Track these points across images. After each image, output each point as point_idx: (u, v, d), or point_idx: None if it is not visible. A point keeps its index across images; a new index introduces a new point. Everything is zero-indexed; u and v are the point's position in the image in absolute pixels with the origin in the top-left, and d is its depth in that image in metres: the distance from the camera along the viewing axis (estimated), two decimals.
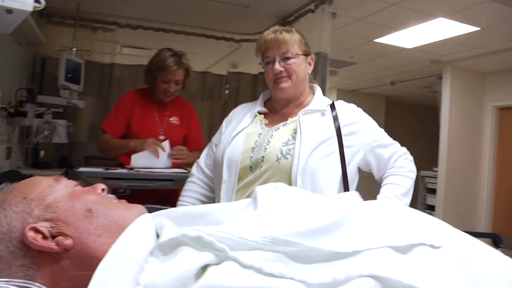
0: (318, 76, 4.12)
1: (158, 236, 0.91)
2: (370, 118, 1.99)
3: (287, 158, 1.75)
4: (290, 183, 1.71)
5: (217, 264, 0.76)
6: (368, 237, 0.86)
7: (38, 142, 4.29)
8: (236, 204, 1.07)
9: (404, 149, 1.98)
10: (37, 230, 0.85)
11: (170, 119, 3.16)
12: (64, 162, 4.59)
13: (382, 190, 1.86)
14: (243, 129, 1.89)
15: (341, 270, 0.77)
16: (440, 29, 5.25)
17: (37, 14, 4.74)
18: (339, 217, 0.91)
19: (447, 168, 6.92)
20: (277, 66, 1.83)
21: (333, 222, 0.89)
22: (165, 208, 1.10)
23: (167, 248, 0.81)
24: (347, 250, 0.83)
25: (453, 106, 6.92)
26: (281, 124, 1.89)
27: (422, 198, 7.79)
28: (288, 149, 1.77)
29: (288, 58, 1.83)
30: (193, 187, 2.09)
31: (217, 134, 2.09)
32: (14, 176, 3.14)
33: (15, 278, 0.82)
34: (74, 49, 4.65)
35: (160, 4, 4.83)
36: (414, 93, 9.31)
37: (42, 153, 4.51)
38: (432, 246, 0.85)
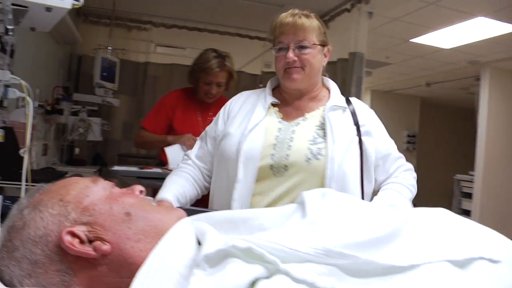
0: (354, 76, 4.06)
1: (199, 242, 0.86)
2: (378, 119, 1.85)
3: (318, 159, 1.58)
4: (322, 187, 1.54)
5: (268, 277, 0.72)
6: (425, 250, 0.81)
7: (73, 140, 4.35)
8: (281, 210, 1.00)
9: (410, 164, 1.84)
10: (74, 234, 0.81)
11: (213, 119, 3.15)
12: (98, 160, 4.65)
13: (379, 194, 1.70)
14: (259, 122, 1.67)
15: (398, 286, 0.73)
16: (479, 29, 5.10)
17: (74, 14, 4.80)
18: (394, 228, 0.85)
19: (484, 172, 6.73)
20: (291, 54, 1.63)
21: (388, 233, 0.84)
22: (203, 210, 1.06)
23: (215, 260, 0.75)
24: (404, 264, 0.77)
25: (491, 109, 6.73)
26: (300, 119, 1.70)
27: (457, 203, 7.61)
28: (318, 148, 1.60)
29: (304, 47, 1.64)
30: (187, 169, 1.80)
31: (212, 125, 1.86)
32: (50, 173, 3.18)
33: (51, 283, 0.79)
34: (110, 48, 4.69)
35: (194, 3, 4.83)
36: (450, 94, 9.11)
37: (77, 150, 4.57)
38: (491, 260, 0.79)
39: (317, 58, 1.70)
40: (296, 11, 1.71)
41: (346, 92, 4.12)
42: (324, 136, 1.63)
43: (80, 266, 0.81)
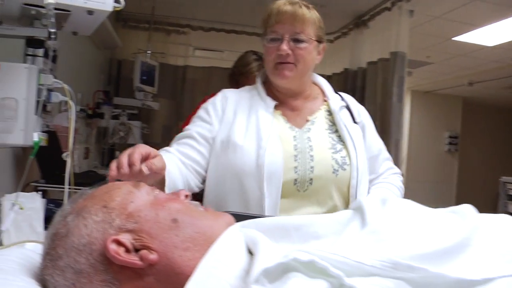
0: (396, 76, 3.97)
1: (249, 251, 0.82)
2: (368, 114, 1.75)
3: (345, 169, 1.49)
4: (347, 199, 1.50)
5: None
6: (498, 262, 0.74)
7: (114, 143, 4.41)
8: (336, 216, 0.95)
9: (398, 168, 1.75)
10: (119, 243, 0.77)
11: None
12: None
13: (372, 192, 1.61)
14: (271, 129, 1.49)
15: None
16: None
17: (114, 19, 4.87)
18: (463, 237, 0.79)
19: None
20: (285, 46, 1.48)
21: (457, 243, 0.77)
22: (251, 215, 1.02)
23: (274, 274, 0.69)
24: (477, 277, 0.71)
25: None
26: (308, 123, 1.58)
27: (503, 206, 7.36)
28: (342, 157, 1.50)
29: (300, 41, 1.49)
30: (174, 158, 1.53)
31: (202, 124, 1.59)
32: (91, 176, 3.21)
33: None
34: (149, 52, 4.74)
35: (232, 6, 4.83)
36: (493, 94, 8.84)
37: (117, 153, 4.61)
38: None
39: (312, 54, 1.55)
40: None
41: (388, 93, 4.04)
42: (340, 141, 1.55)
43: (126, 277, 0.77)
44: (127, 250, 0.77)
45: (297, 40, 1.49)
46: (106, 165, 4.52)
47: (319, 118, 1.60)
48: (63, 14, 1.42)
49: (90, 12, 1.44)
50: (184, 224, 0.82)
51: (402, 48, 4.03)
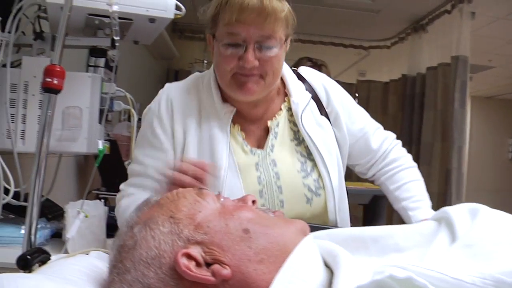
0: (458, 81, 3.83)
1: (325, 264, 0.76)
2: (342, 89, 1.42)
3: (319, 195, 1.26)
4: (326, 224, 1.28)
5: None
6: None
7: None
8: (417, 228, 0.87)
9: (392, 134, 1.47)
10: (189, 256, 0.72)
11: None
12: None
13: (412, 208, 1.35)
14: (228, 157, 1.22)
15: None
16: None
17: (170, 30, 4.96)
18: None
19: None
20: (251, 57, 1.13)
21: None
22: (321, 227, 0.95)
23: None
24: None
25: None
26: (270, 137, 1.29)
27: None
28: (314, 180, 1.26)
29: (269, 48, 1.15)
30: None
31: (150, 152, 1.29)
32: None
33: None
34: (205, 61, 4.79)
35: None
36: None
37: None
38: None
39: (282, 60, 1.23)
40: None
41: (449, 99, 3.91)
42: (308, 155, 1.29)
43: None
44: (198, 264, 0.72)
45: (265, 47, 1.15)
46: None
47: (282, 125, 1.31)
48: (125, 23, 1.44)
49: (152, 20, 1.45)
50: (256, 234, 0.76)
51: (464, 51, 3.89)
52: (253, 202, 0.87)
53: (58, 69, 1.16)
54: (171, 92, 1.32)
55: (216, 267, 0.71)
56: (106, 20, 1.46)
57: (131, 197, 1.29)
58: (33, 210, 1.14)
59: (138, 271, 0.73)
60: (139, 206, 0.85)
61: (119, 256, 0.77)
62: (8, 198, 1.46)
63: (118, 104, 1.56)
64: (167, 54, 4.58)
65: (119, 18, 1.39)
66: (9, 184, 1.46)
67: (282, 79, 1.33)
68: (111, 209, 1.76)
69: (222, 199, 0.85)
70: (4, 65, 1.48)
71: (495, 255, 0.68)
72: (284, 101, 1.33)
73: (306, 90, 1.33)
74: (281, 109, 1.32)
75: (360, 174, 1.52)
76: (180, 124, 1.27)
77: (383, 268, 0.60)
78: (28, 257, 0.98)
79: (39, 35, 1.53)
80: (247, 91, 1.18)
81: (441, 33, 4.23)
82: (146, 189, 1.23)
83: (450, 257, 0.70)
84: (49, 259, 1.02)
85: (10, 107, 1.47)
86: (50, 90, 1.15)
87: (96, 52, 1.53)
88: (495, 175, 8.55)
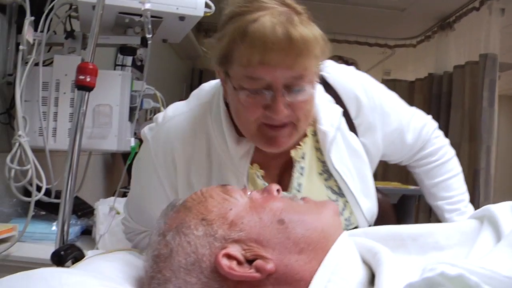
0: (486, 80, 3.75)
1: (364, 261, 0.74)
2: (377, 87, 1.21)
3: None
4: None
5: None
6: None
7: None
8: (458, 226, 0.85)
9: (426, 118, 1.29)
10: (230, 256, 0.70)
11: None
12: None
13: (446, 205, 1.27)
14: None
15: None
16: None
17: (195, 30, 4.98)
18: None
19: None
20: (280, 106, 0.89)
21: None
22: None
23: None
24: None
25: None
26: (295, 178, 1.08)
27: None
28: (345, 219, 1.09)
29: (301, 90, 0.91)
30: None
31: (148, 203, 1.12)
32: None
33: None
34: None
35: (313, 11, 4.80)
36: None
37: None
38: None
39: (314, 99, 1.00)
40: (278, 7, 0.89)
41: (478, 98, 3.84)
42: (338, 187, 1.10)
43: None
44: (239, 263, 0.70)
45: (296, 90, 0.91)
46: None
47: (308, 156, 1.10)
48: (155, 21, 1.45)
49: (182, 18, 1.45)
50: (292, 223, 0.74)
51: (493, 49, 3.80)
52: (278, 191, 0.83)
53: (91, 67, 1.17)
54: (171, 143, 1.06)
55: (259, 262, 0.70)
56: (136, 18, 1.47)
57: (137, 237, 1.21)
58: (66, 207, 1.15)
59: (179, 279, 0.71)
60: (164, 212, 0.82)
61: (156, 266, 0.74)
62: (40, 195, 1.48)
63: (148, 102, 1.57)
64: (192, 53, 4.60)
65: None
66: (41, 181, 1.48)
67: None
68: None
69: (249, 193, 0.83)
70: (37, 64, 1.50)
71: None
72: (310, 124, 1.07)
73: (335, 103, 1.11)
74: (306, 135, 1.09)
75: (394, 163, 1.36)
76: (184, 180, 1.06)
77: (434, 266, 0.59)
78: (62, 253, 1.00)
79: (70, 34, 1.55)
80: (277, 145, 0.97)
81: (469, 30, 4.15)
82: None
83: (496, 256, 0.68)
84: (82, 255, 1.04)
85: (42, 105, 1.50)
86: (83, 87, 1.16)
87: (125, 50, 1.54)
88: None
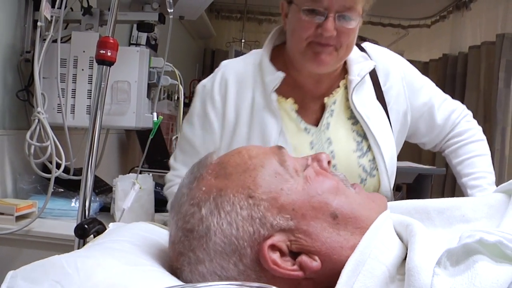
0: (503, 60, 3.70)
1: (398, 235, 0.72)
2: (411, 66, 1.36)
3: (374, 176, 1.23)
4: None
5: None
6: None
7: None
8: (484, 200, 0.82)
9: (462, 106, 1.39)
10: (274, 247, 0.64)
11: None
12: None
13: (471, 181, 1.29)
14: (279, 141, 1.17)
15: None
16: None
17: (207, 10, 4.96)
18: None
19: None
20: (330, 25, 1.07)
21: None
22: None
23: (457, 257, 0.58)
24: None
25: None
26: (326, 117, 1.23)
27: None
28: (369, 161, 1.22)
29: (349, 19, 1.09)
30: None
31: (199, 132, 1.27)
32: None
33: None
34: (243, 40, 4.79)
35: None
36: None
37: None
38: None
39: (356, 35, 1.18)
40: None
41: (493, 79, 3.80)
42: (364, 137, 1.24)
43: (282, 283, 0.64)
44: (282, 253, 0.65)
45: (344, 17, 1.09)
46: None
47: (338, 103, 1.25)
48: None
49: None
50: (345, 219, 0.68)
51: (511, 29, 3.75)
52: (329, 163, 0.77)
53: (112, 41, 1.16)
54: (227, 71, 1.27)
55: (303, 259, 0.65)
56: None
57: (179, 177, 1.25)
58: (87, 182, 1.15)
59: (214, 263, 0.65)
60: (196, 168, 0.73)
61: (188, 243, 0.67)
62: (59, 172, 1.49)
63: (166, 79, 1.57)
64: (204, 33, 4.59)
65: None
66: (60, 158, 1.49)
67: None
68: (157, 184, 1.78)
69: (306, 168, 0.74)
70: (54, 41, 1.50)
71: None
72: (343, 78, 1.26)
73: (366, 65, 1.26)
74: (339, 86, 1.25)
75: (429, 148, 1.45)
76: (232, 107, 1.23)
77: (472, 232, 0.58)
78: (86, 226, 1.00)
79: (87, 10, 1.55)
80: (320, 62, 1.13)
81: (486, 10, 4.09)
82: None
83: None
84: (104, 229, 1.04)
85: (61, 82, 1.50)
86: (104, 62, 1.16)
87: (143, 26, 1.53)
88: None
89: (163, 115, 3.15)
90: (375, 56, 1.29)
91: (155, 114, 1.50)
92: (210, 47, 5.22)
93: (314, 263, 0.64)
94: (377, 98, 1.26)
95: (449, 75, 4.54)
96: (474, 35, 4.27)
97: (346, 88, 1.25)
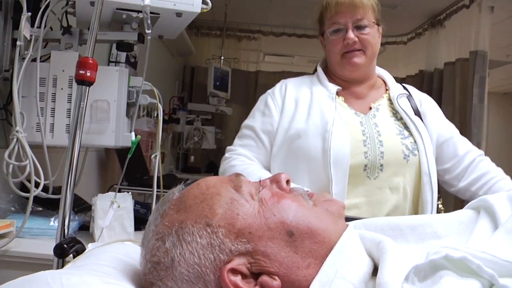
0: (476, 77, 3.79)
1: (366, 253, 0.75)
2: (432, 100, 1.67)
3: (415, 155, 1.44)
4: (419, 186, 1.45)
5: None
6: None
7: (188, 148, 4.48)
8: (455, 216, 0.86)
9: (478, 150, 1.60)
10: (235, 271, 0.67)
11: None
12: (212, 168, 4.75)
13: None
14: (335, 115, 1.45)
15: None
16: None
17: (187, 27, 4.99)
18: None
19: None
20: (351, 35, 1.46)
21: None
22: (353, 218, 0.95)
23: (425, 272, 0.61)
24: None
25: None
26: (373, 110, 1.53)
27: None
28: (411, 143, 1.46)
29: (363, 27, 1.47)
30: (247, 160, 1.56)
31: (262, 119, 1.57)
32: (172, 179, 3.29)
33: None
34: (222, 57, 4.82)
35: (303, 10, 4.81)
36: None
37: (192, 158, 4.70)
38: None
39: (376, 38, 1.53)
40: None
41: (468, 95, 3.88)
42: (405, 128, 1.50)
43: None
44: (244, 276, 0.68)
45: (360, 27, 1.47)
46: (181, 170, 4.62)
47: (383, 106, 1.55)
48: (152, 17, 1.45)
49: (179, 14, 1.46)
50: (301, 236, 0.70)
51: (483, 47, 3.84)
52: (287, 182, 0.81)
53: (91, 62, 1.17)
54: (287, 80, 1.66)
55: (264, 279, 0.68)
56: (133, 14, 1.47)
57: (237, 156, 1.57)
58: (67, 201, 1.16)
59: None
60: (161, 206, 0.78)
61: (157, 273, 0.71)
62: (38, 191, 1.48)
63: (145, 98, 1.58)
64: (184, 50, 4.61)
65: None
66: (39, 177, 1.48)
67: (384, 79, 1.65)
68: (136, 202, 1.78)
69: (260, 189, 0.77)
70: (34, 60, 1.50)
71: None
72: (386, 93, 1.60)
73: (404, 89, 1.62)
74: (382, 97, 1.58)
75: (449, 186, 1.59)
76: (292, 97, 1.57)
77: (438, 249, 0.61)
78: (65, 246, 1.01)
79: (67, 30, 1.55)
80: (354, 64, 1.49)
81: (459, 28, 4.19)
82: (251, 148, 1.56)
83: (495, 242, 0.69)
84: (83, 249, 1.05)
85: (40, 100, 1.49)
86: (84, 82, 1.17)
87: (122, 46, 1.54)
88: None
89: (142, 132, 3.16)
90: (409, 88, 1.66)
91: (133, 134, 1.50)
92: (190, 63, 5.23)
93: (275, 283, 0.67)
94: (415, 113, 1.55)
95: (426, 90, 4.54)
96: (448, 51, 4.37)
97: (388, 99, 1.58)
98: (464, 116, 3.96)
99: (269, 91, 1.65)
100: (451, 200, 3.13)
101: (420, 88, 4.84)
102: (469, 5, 4.06)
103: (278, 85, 1.65)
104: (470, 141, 1.59)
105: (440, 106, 1.66)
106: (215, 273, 0.67)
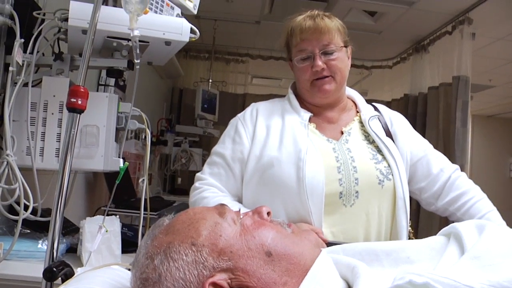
0: (459, 101, 3.88)
1: (341, 276, 0.80)
2: (403, 118, 1.66)
3: (390, 179, 1.42)
4: (393, 210, 1.42)
5: None
6: None
7: (175, 170, 4.50)
8: (427, 242, 0.91)
9: (452, 165, 1.60)
10: (216, 285, 0.74)
11: None
12: None
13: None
14: (308, 142, 1.41)
15: None
16: None
17: None
18: None
19: None
20: (319, 62, 1.42)
21: None
22: (333, 242, 0.99)
23: None
24: None
25: None
26: (344, 135, 1.49)
27: None
28: (385, 167, 1.43)
29: (330, 53, 1.43)
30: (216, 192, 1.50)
31: (233, 147, 1.51)
32: (159, 202, 3.30)
33: None
34: (211, 80, 4.87)
35: None
36: None
37: (179, 180, 4.71)
38: None
39: (345, 61, 1.50)
40: (315, 11, 1.50)
41: (451, 119, 3.97)
42: (378, 151, 1.47)
43: None
44: None
45: (327, 53, 1.43)
46: (169, 192, 4.62)
47: (354, 129, 1.52)
48: (142, 45, 1.49)
49: (168, 43, 1.50)
50: (279, 256, 0.78)
51: (465, 72, 3.94)
52: (268, 214, 0.89)
53: (82, 90, 1.21)
54: (258, 104, 1.61)
55: None
56: (124, 42, 1.51)
57: (206, 187, 1.50)
58: (56, 224, 1.18)
59: None
60: (151, 231, 0.85)
61: None
62: (27, 214, 1.50)
63: (133, 123, 1.61)
64: (173, 73, 4.66)
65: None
66: (28, 200, 1.50)
67: (354, 100, 1.62)
68: (124, 225, 1.80)
69: (241, 217, 0.86)
70: (25, 85, 1.53)
71: (501, 266, 0.73)
72: (357, 116, 1.57)
73: (375, 111, 1.60)
74: (353, 120, 1.56)
75: (427, 205, 1.60)
76: (263, 124, 1.51)
77: (403, 275, 0.66)
78: (54, 269, 1.03)
79: (58, 56, 1.59)
80: (324, 92, 1.46)
81: (442, 53, 4.30)
82: (221, 178, 1.49)
83: (460, 267, 0.75)
84: (72, 272, 1.07)
85: (30, 125, 1.52)
86: (75, 110, 1.20)
87: (112, 72, 1.58)
88: (496, 193, 8.42)
89: (130, 154, 3.18)
90: (379, 108, 1.63)
91: (121, 160, 1.54)
92: (178, 86, 5.28)
93: None
94: (386, 134, 1.52)
95: (410, 114, 4.69)
96: (432, 76, 4.46)
97: (359, 123, 1.55)
98: (447, 139, 4.03)
99: (239, 115, 1.60)
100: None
101: (405, 111, 4.91)
102: (451, 32, 4.17)
103: (248, 109, 1.60)
104: (454, 163, 1.60)
105: (424, 129, 1.70)
106: (198, 287, 0.74)
